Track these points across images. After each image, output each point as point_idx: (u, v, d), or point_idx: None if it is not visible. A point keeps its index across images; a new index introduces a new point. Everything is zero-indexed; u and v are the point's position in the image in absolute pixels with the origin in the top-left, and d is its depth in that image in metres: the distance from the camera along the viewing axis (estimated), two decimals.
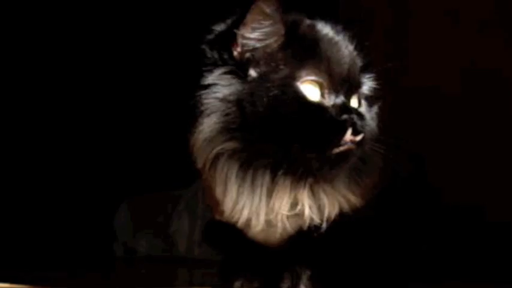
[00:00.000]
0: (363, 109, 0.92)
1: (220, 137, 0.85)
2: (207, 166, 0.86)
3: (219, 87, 0.86)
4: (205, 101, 0.86)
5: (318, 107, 0.85)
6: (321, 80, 0.86)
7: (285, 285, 0.90)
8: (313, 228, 0.91)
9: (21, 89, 1.85)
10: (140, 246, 1.62)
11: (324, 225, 0.89)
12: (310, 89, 0.86)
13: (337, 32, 0.91)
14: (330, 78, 0.86)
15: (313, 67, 0.86)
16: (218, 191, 0.87)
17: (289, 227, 0.91)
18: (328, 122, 0.85)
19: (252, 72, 0.86)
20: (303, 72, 0.86)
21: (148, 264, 1.53)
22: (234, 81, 0.86)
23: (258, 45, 0.87)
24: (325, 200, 0.88)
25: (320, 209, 0.88)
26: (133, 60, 1.86)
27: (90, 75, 1.88)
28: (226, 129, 0.85)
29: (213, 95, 0.86)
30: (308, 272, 0.90)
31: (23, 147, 1.84)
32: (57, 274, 1.24)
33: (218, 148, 0.85)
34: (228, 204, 0.87)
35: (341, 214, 0.92)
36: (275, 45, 0.87)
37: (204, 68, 0.87)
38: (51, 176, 1.85)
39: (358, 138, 0.85)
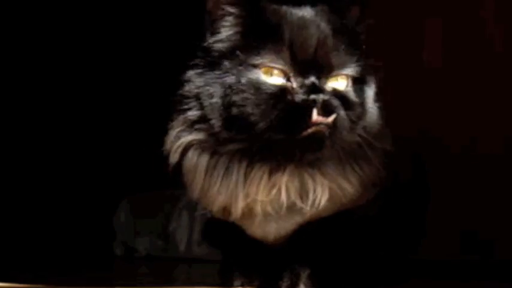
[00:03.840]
0: (348, 91, 0.88)
1: (186, 130, 0.87)
2: (177, 159, 0.88)
3: (191, 83, 0.88)
4: (177, 98, 0.89)
5: (280, 90, 0.84)
6: (281, 64, 0.85)
7: (285, 284, 0.90)
8: (313, 226, 0.92)
9: (20, 89, 1.85)
10: (140, 245, 1.62)
11: (314, 209, 0.87)
12: (273, 74, 0.85)
13: (310, 14, 0.89)
14: (294, 62, 0.85)
15: (274, 52, 0.85)
16: (192, 182, 0.88)
17: (287, 223, 0.91)
18: (292, 104, 0.83)
19: (220, 64, 0.87)
20: (264, 58, 0.85)
21: (148, 263, 1.53)
22: (203, 75, 0.87)
23: (223, 35, 0.88)
24: (310, 185, 0.87)
25: (307, 194, 0.87)
26: (132, 59, 1.86)
27: (89, 75, 1.88)
28: (191, 123, 0.87)
29: (182, 92, 0.88)
30: (307, 271, 0.90)
31: (23, 147, 1.84)
32: (57, 273, 1.24)
33: (184, 140, 0.87)
34: (203, 193, 0.88)
35: (341, 211, 0.93)
36: (238, 34, 0.87)
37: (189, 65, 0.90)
38: (51, 175, 1.85)
39: (329, 119, 0.83)
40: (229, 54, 0.87)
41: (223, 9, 0.88)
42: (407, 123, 1.27)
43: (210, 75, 0.87)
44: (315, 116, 0.83)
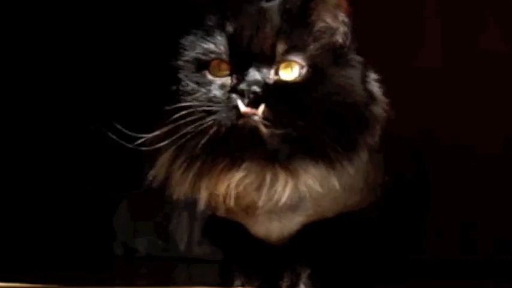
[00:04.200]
0: (300, 81, 0.84)
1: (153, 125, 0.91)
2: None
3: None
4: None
5: (222, 85, 0.85)
6: (222, 55, 0.85)
7: (285, 284, 0.90)
8: (314, 227, 0.92)
9: (20, 89, 1.85)
10: (140, 245, 1.62)
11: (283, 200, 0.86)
12: (220, 69, 0.86)
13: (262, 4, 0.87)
14: (233, 52, 0.85)
15: (214, 45, 0.86)
16: (157, 171, 0.90)
17: (290, 223, 0.91)
18: (225, 97, 0.83)
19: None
20: (206, 53, 0.86)
21: (148, 263, 1.53)
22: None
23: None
24: (268, 180, 0.85)
25: (262, 190, 0.86)
26: (132, 59, 1.86)
27: (86, 74, 1.88)
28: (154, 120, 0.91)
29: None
30: (308, 271, 0.90)
31: (23, 147, 1.84)
32: (57, 273, 1.24)
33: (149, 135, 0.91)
34: (167, 181, 0.90)
35: (343, 213, 0.93)
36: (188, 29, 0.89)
37: None
38: (50, 175, 1.85)
39: (258, 110, 0.81)
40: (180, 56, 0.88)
41: None
42: (407, 123, 1.27)
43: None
44: (243, 107, 0.82)
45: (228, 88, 0.84)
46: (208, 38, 0.87)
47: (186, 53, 0.88)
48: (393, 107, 0.90)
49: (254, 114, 0.82)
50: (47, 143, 1.85)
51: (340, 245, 0.93)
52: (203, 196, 0.88)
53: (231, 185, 0.86)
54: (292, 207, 0.90)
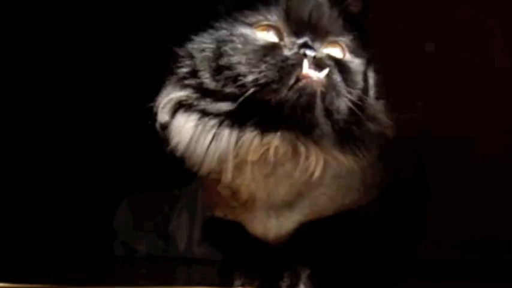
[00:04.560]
0: (344, 59, 0.88)
1: (176, 86, 0.87)
2: (166, 118, 0.87)
3: (186, 45, 0.88)
4: (172, 58, 0.89)
5: (272, 45, 0.84)
6: (276, 23, 0.86)
7: (285, 284, 0.90)
8: (313, 226, 0.92)
9: (20, 89, 1.85)
10: (140, 245, 1.62)
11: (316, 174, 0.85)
12: (265, 33, 0.86)
13: None
14: (288, 22, 0.85)
15: (269, 12, 0.86)
16: (179, 141, 0.86)
17: (287, 220, 0.91)
18: (282, 57, 0.83)
19: (215, 22, 0.88)
20: (259, 17, 0.86)
21: (148, 263, 1.53)
22: (198, 35, 0.88)
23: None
24: (303, 151, 0.85)
25: (298, 159, 0.85)
26: (132, 59, 1.86)
27: (87, 75, 1.88)
28: (181, 78, 0.87)
29: (177, 51, 0.88)
30: (307, 271, 0.90)
31: (23, 147, 1.84)
32: (57, 273, 1.24)
33: (173, 97, 0.87)
34: (189, 153, 0.86)
35: (342, 212, 0.93)
36: None
37: None
38: (51, 175, 1.85)
39: (321, 74, 0.82)
40: (224, 13, 0.88)
41: None
42: (407, 123, 1.27)
43: (205, 34, 0.88)
44: (306, 68, 0.82)
45: (281, 50, 0.84)
46: (262, 5, 0.86)
47: (235, 14, 0.87)
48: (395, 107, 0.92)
49: (317, 77, 0.82)
50: (47, 143, 1.85)
51: (339, 245, 0.93)
52: (230, 166, 0.85)
53: (271, 149, 0.84)
54: (289, 204, 0.91)
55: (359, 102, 0.86)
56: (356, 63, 0.89)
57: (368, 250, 0.96)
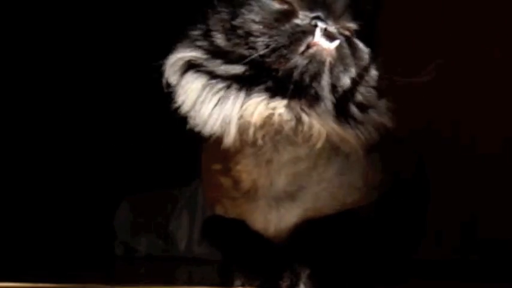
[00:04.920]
0: (357, 42, 0.89)
1: (187, 47, 0.88)
2: (175, 78, 0.88)
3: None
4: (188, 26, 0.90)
5: (286, 12, 0.86)
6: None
7: (285, 283, 0.90)
8: (313, 225, 0.92)
9: (20, 89, 1.85)
10: (140, 245, 1.62)
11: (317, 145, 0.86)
12: (281, 3, 0.86)
13: None
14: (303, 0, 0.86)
15: None
16: (185, 100, 0.87)
17: (288, 213, 0.92)
18: (295, 24, 0.84)
19: None
20: None
21: (148, 263, 1.53)
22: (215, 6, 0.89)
23: None
24: (306, 120, 0.86)
25: (302, 127, 0.86)
26: (131, 60, 1.86)
27: (87, 74, 1.88)
28: (193, 39, 0.88)
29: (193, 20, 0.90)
30: (308, 271, 0.90)
31: (23, 147, 1.84)
32: (57, 273, 1.24)
33: (183, 56, 0.87)
34: (195, 112, 0.86)
35: (342, 211, 0.93)
36: None
37: None
38: (51, 175, 1.85)
39: (333, 45, 0.84)
40: None
41: None
42: (407, 121, 1.27)
43: (221, 3, 0.89)
44: (318, 36, 0.83)
45: (295, 19, 0.85)
46: None
47: None
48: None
49: (328, 46, 0.83)
50: (47, 143, 1.85)
51: (339, 244, 0.93)
52: (233, 127, 0.85)
53: (275, 114, 0.85)
54: (291, 195, 0.91)
55: (361, 85, 0.88)
56: (364, 48, 0.90)
57: (368, 250, 0.96)
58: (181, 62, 0.88)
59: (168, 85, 0.89)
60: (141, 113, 1.84)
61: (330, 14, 0.87)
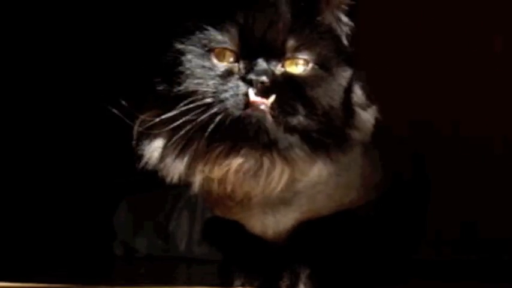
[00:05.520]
0: (306, 75, 0.86)
1: (145, 108, 0.90)
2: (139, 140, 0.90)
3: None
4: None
5: (226, 71, 0.85)
6: (230, 45, 0.86)
7: (284, 284, 0.90)
8: (312, 225, 0.92)
9: (19, 89, 1.85)
10: (140, 245, 1.62)
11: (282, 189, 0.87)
12: (225, 56, 0.86)
13: None
14: (243, 44, 0.85)
15: (224, 34, 0.86)
16: (151, 160, 0.90)
17: (285, 217, 0.92)
18: (230, 85, 0.84)
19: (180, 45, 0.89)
20: (214, 40, 0.86)
21: (148, 263, 1.53)
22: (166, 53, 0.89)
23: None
24: (265, 168, 0.85)
25: (259, 177, 0.86)
26: (130, 60, 1.86)
27: (86, 74, 1.88)
28: (150, 100, 0.90)
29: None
30: (307, 271, 0.90)
31: (23, 147, 1.84)
32: (57, 273, 1.24)
33: (144, 117, 0.89)
34: (161, 164, 0.89)
35: (341, 211, 0.93)
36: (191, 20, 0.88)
37: None
38: (50, 175, 1.85)
39: (268, 101, 0.83)
40: (184, 36, 0.88)
41: None
42: (407, 119, 1.27)
43: (168, 53, 0.89)
44: (252, 96, 0.83)
45: (236, 76, 0.85)
46: (217, 26, 0.86)
47: (192, 36, 0.87)
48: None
49: (263, 103, 0.83)
50: (47, 142, 1.85)
51: (339, 245, 0.93)
52: (197, 180, 0.88)
53: (231, 170, 0.86)
54: (286, 201, 0.91)
55: (326, 113, 0.86)
56: (320, 76, 0.87)
57: (368, 250, 0.96)
58: (140, 126, 0.90)
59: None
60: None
61: (274, 51, 0.85)
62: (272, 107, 0.83)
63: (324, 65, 0.87)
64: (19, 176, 1.82)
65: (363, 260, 0.95)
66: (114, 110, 0.92)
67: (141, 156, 0.91)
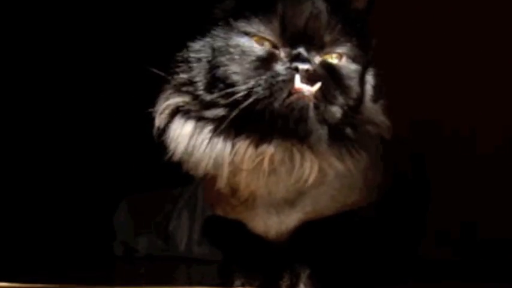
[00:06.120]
0: (341, 66, 0.88)
1: (174, 93, 0.88)
2: (164, 122, 0.88)
3: (185, 50, 0.90)
4: (172, 63, 0.90)
5: (266, 57, 0.85)
6: (271, 35, 0.86)
7: (285, 283, 0.90)
8: (314, 226, 0.92)
9: (19, 89, 1.85)
10: (140, 245, 1.62)
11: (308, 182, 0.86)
12: (263, 44, 0.86)
13: None
14: (284, 34, 0.86)
15: (265, 23, 0.86)
16: (177, 145, 0.87)
17: (288, 218, 0.92)
18: (275, 70, 0.84)
19: (212, 30, 0.88)
20: (254, 28, 0.86)
21: (148, 263, 1.53)
22: (197, 41, 0.89)
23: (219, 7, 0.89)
24: (298, 160, 0.86)
25: (293, 168, 0.86)
26: (130, 61, 1.86)
27: (85, 75, 1.88)
28: (179, 85, 0.88)
29: (176, 57, 0.90)
30: (307, 271, 0.90)
31: (23, 147, 1.84)
32: (57, 273, 1.24)
33: (171, 102, 0.88)
34: (187, 156, 0.87)
35: (342, 212, 0.93)
36: (233, 2, 0.89)
37: None
38: (50, 175, 1.85)
39: (314, 88, 0.83)
40: (222, 21, 0.88)
41: None
42: (408, 121, 1.27)
43: (201, 42, 0.88)
44: (298, 83, 0.82)
45: (280, 63, 0.84)
46: (258, 14, 0.86)
47: (233, 22, 0.87)
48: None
49: (309, 91, 0.83)
50: (47, 143, 1.85)
51: (339, 245, 0.93)
52: (225, 172, 0.86)
53: (265, 159, 0.85)
54: (291, 202, 0.91)
55: (353, 106, 0.87)
56: (352, 68, 0.89)
57: (368, 250, 0.96)
58: (169, 109, 0.89)
59: (159, 132, 0.89)
60: (141, 113, 1.84)
61: (314, 43, 0.86)
62: (315, 95, 0.83)
63: (355, 59, 0.89)
64: (19, 176, 1.82)
65: (363, 260, 0.95)
66: (155, 70, 0.89)
67: (165, 147, 0.89)
